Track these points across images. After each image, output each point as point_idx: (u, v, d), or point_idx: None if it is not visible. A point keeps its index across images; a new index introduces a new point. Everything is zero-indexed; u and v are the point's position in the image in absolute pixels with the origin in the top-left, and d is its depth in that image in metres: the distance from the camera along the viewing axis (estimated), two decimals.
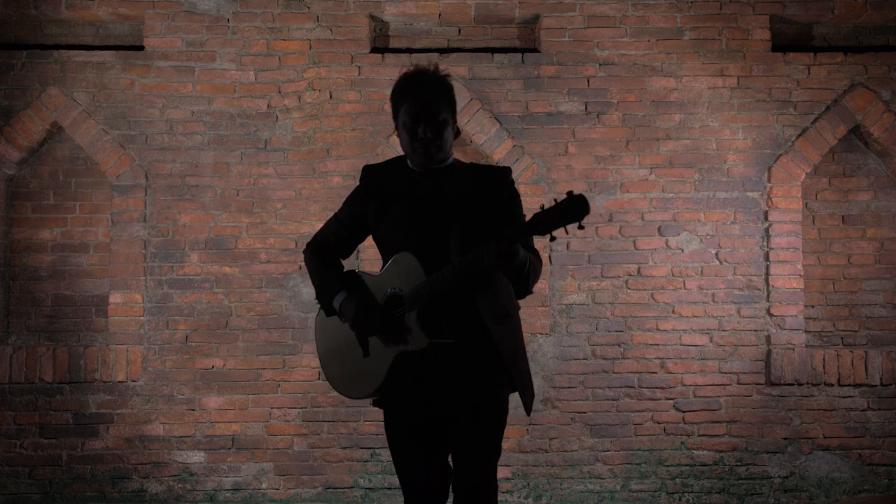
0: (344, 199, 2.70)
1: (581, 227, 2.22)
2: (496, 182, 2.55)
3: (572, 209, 2.19)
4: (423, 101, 2.46)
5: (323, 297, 2.60)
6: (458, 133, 2.64)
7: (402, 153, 2.63)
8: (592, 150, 4.67)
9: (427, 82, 2.50)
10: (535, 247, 2.54)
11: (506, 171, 2.59)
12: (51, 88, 4.64)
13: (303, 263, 4.54)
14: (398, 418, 2.54)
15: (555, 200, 2.25)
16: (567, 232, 2.31)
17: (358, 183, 2.66)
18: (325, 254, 2.67)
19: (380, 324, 2.46)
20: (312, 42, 4.68)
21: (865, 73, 4.68)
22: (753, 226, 4.65)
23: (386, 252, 2.57)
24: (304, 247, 2.72)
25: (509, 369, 2.47)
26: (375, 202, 2.57)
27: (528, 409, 2.53)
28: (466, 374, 2.44)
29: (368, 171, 2.65)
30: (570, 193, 2.20)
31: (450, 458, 2.55)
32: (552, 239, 2.25)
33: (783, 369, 4.57)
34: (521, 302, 2.63)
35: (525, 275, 2.42)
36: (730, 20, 4.68)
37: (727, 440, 4.59)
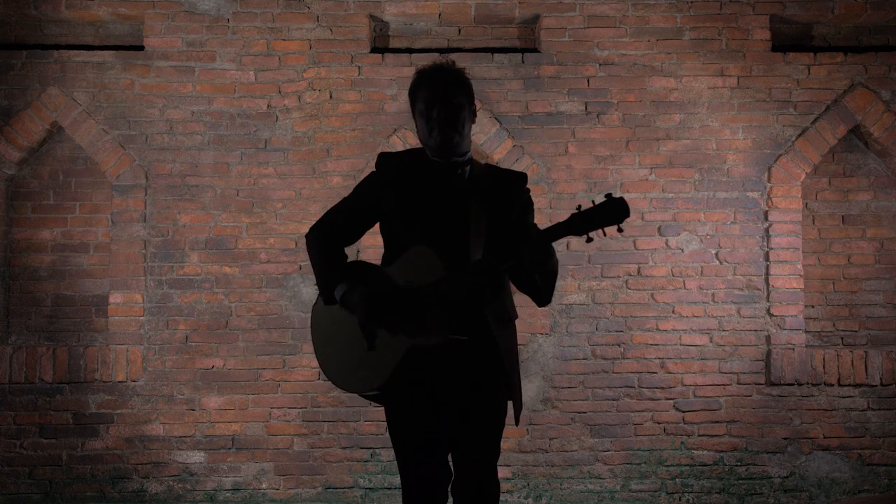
0: (356, 185, 2.61)
1: (620, 231, 2.19)
2: (514, 186, 2.54)
3: (613, 211, 2.17)
4: (438, 87, 2.45)
5: (324, 284, 2.48)
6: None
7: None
8: (592, 150, 4.67)
9: (442, 71, 2.49)
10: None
11: (524, 178, 2.58)
12: (51, 88, 4.64)
13: (303, 263, 4.61)
14: (403, 413, 2.49)
15: (593, 202, 2.22)
16: (605, 234, 2.26)
17: (371, 171, 2.59)
18: (329, 240, 2.53)
19: (393, 316, 2.35)
20: (312, 42, 4.68)
21: (865, 73, 4.68)
22: (753, 226, 4.65)
23: (396, 244, 2.50)
24: (308, 231, 2.57)
25: (508, 374, 2.46)
26: (390, 192, 2.50)
27: (518, 419, 2.50)
28: (473, 372, 2.43)
29: (385, 158, 2.58)
30: (609, 196, 2.18)
31: (450, 461, 2.52)
32: (589, 240, 2.22)
33: (783, 369, 4.57)
34: (519, 301, 2.61)
35: (553, 276, 2.42)
36: (730, 20, 4.68)
37: (727, 440, 4.59)
